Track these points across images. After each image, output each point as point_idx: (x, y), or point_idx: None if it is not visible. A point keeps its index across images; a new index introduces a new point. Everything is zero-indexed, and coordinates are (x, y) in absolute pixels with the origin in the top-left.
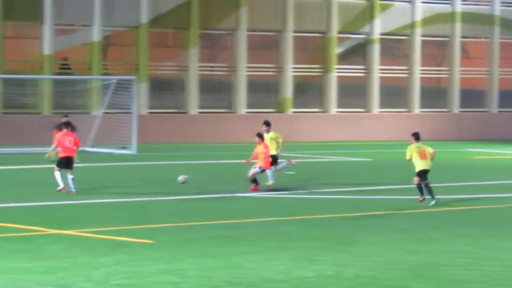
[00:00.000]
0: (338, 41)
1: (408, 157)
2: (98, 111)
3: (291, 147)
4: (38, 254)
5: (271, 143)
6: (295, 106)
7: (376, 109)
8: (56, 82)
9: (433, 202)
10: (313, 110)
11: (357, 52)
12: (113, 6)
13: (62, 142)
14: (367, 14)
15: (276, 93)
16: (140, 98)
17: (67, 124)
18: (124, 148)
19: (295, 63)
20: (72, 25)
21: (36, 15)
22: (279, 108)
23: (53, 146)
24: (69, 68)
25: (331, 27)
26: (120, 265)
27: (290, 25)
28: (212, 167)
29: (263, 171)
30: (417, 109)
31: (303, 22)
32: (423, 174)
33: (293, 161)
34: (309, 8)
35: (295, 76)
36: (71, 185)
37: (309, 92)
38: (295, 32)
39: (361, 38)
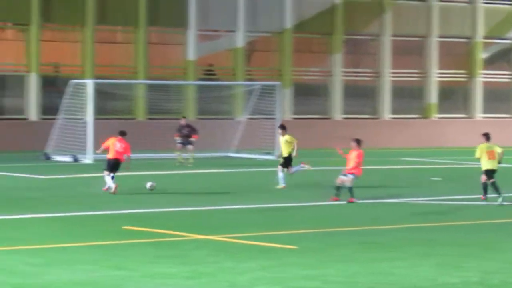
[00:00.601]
0: (484, 46)
1: (477, 155)
2: (242, 117)
3: (435, 152)
4: (184, 259)
5: (285, 145)
6: (440, 112)
7: None
8: (200, 88)
9: (500, 200)
10: (458, 116)
11: (503, 58)
12: (257, 12)
13: (113, 147)
14: None
15: (420, 99)
16: (283, 104)
17: (123, 133)
18: (267, 153)
19: (440, 69)
20: (217, 31)
21: (181, 21)
22: (424, 113)
23: (101, 149)
24: (214, 74)
25: (477, 32)
26: (264, 270)
27: (435, 30)
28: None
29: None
30: None
31: (448, 27)
32: (489, 173)
33: (306, 165)
34: (454, 13)
35: (439, 82)
36: (110, 183)
37: (454, 97)
38: (440, 37)
39: (507, 43)
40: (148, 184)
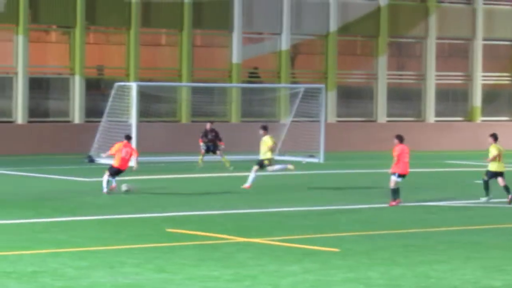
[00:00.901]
0: None
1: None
2: (286, 120)
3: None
4: (226, 262)
5: (263, 146)
6: (484, 115)
7: None
8: (244, 91)
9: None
10: (503, 119)
11: None
12: (302, 15)
13: (119, 154)
14: None
15: (465, 102)
16: (328, 106)
17: (129, 138)
18: (311, 156)
19: (484, 71)
20: (261, 33)
21: (225, 24)
22: (468, 116)
23: (107, 153)
24: (258, 77)
25: None
26: (307, 273)
27: (480, 33)
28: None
29: (399, 176)
30: None
31: (493, 30)
32: (497, 175)
33: (290, 166)
34: (499, 16)
35: (484, 85)
36: (106, 185)
37: (498, 100)
38: (485, 40)
39: None
40: (124, 186)
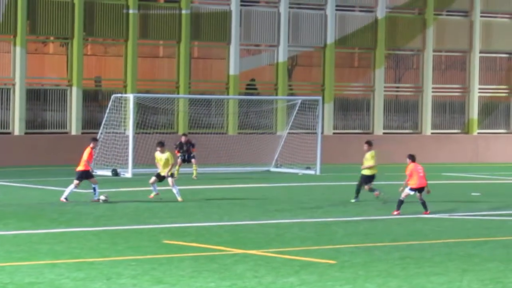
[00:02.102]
0: None
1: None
2: (283, 131)
3: (476, 167)
4: (223, 274)
5: (164, 163)
6: (481, 127)
7: None
8: (241, 102)
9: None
10: (500, 131)
11: None
12: (299, 27)
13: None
14: None
15: (462, 114)
16: (325, 119)
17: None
18: (308, 168)
19: (482, 84)
20: (259, 45)
21: (223, 36)
22: (465, 128)
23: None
24: (255, 88)
25: None
26: (304, 285)
27: (477, 45)
28: (395, 188)
29: (411, 190)
30: None
31: (491, 43)
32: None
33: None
34: (497, 29)
35: (481, 97)
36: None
37: (495, 113)
38: (482, 52)
39: None
40: (102, 197)
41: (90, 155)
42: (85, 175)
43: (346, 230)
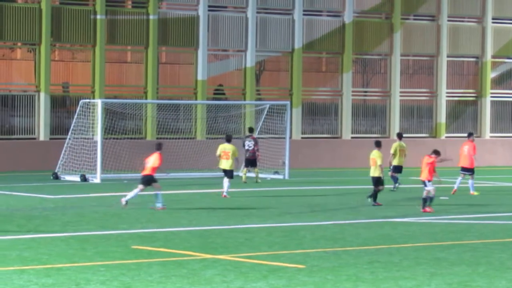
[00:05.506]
0: (493, 66)
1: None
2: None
3: (445, 172)
4: (192, 279)
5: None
6: (449, 131)
7: None
8: (209, 108)
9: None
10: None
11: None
12: (267, 32)
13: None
14: None
15: (430, 118)
16: (293, 123)
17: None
18: (276, 173)
19: (449, 88)
20: (226, 50)
21: (190, 41)
22: (433, 133)
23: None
24: (223, 94)
25: (486, 52)
26: None
27: (445, 49)
28: (364, 192)
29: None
30: None
31: (458, 47)
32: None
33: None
34: (464, 33)
35: (449, 101)
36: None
37: (463, 117)
38: (450, 56)
39: None
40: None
41: (160, 160)
42: (151, 180)
43: (314, 235)
